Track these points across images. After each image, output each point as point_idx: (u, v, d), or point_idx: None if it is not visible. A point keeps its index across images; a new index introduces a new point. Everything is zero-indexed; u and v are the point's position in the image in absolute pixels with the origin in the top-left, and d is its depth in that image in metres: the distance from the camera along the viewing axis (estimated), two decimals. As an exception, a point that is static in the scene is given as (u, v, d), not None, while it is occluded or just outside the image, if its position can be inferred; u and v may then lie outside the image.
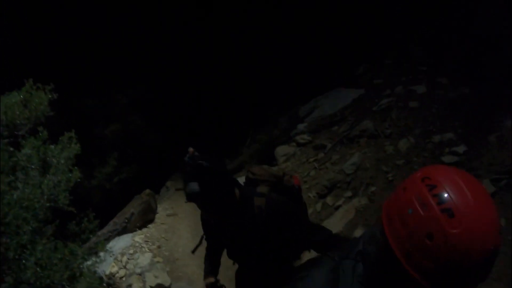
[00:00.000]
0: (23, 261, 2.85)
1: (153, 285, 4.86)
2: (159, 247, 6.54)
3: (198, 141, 11.11)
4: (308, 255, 1.83)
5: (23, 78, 3.74)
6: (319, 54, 10.13)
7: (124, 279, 5.39)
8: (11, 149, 3.26)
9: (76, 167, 4.81)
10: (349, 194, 5.11)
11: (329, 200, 5.41)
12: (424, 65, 7.43)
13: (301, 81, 10.28)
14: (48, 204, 3.97)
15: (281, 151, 8.45)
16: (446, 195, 0.85)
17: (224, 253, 2.30)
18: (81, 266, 4.15)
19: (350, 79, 8.80)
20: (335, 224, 4.72)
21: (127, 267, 5.70)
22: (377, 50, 8.85)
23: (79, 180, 4.89)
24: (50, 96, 4.28)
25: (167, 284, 4.97)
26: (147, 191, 8.41)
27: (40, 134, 4.17)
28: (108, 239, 6.47)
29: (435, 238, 0.84)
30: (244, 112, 12.13)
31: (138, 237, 6.77)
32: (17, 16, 8.69)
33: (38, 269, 2.93)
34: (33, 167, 3.86)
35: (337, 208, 5.07)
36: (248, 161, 10.72)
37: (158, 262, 5.81)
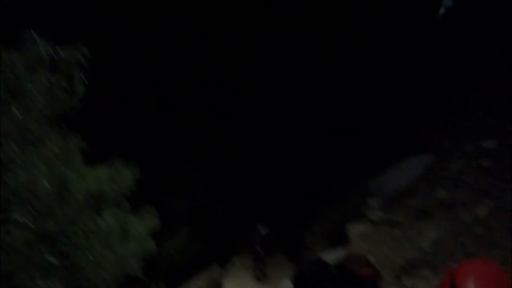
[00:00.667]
0: None
1: None
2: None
3: (266, 217, 11.12)
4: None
5: (111, 153, 4.45)
6: (385, 124, 9.97)
7: None
8: (96, 215, 3.75)
9: (151, 238, 5.23)
10: (427, 272, 4.48)
11: (406, 280, 4.79)
12: (492, 116, 6.77)
13: (369, 152, 10.03)
14: (121, 269, 4.29)
15: (354, 229, 7.95)
16: None
17: None
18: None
19: (418, 146, 8.35)
20: (413, 309, 4.09)
21: None
22: (440, 110, 8.45)
23: (153, 251, 5.26)
24: (134, 173, 4.93)
25: None
26: (214, 266, 8.47)
27: (123, 205, 4.73)
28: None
29: None
30: (312, 187, 11.99)
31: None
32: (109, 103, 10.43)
33: None
34: (113, 233, 4.32)
35: (415, 290, 4.43)
36: (319, 240, 10.22)
37: None
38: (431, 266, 4.47)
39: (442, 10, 9.78)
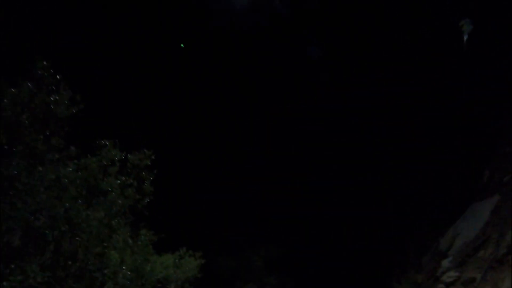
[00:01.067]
0: None
1: None
2: None
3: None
4: None
5: (177, 241, 4.95)
6: (443, 175, 9.53)
7: None
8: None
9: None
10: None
11: None
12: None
13: (434, 209, 9.49)
14: None
15: (430, 298, 7.22)
16: None
17: None
18: None
19: (481, 190, 7.82)
20: None
21: None
22: (493, 145, 8.02)
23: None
24: (199, 261, 5.31)
25: None
26: None
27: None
28: None
29: None
30: (383, 258, 11.18)
31: None
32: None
33: None
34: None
35: None
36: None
37: None
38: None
39: (465, 37, 9.51)
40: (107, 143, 3.53)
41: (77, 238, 2.71)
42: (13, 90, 2.92)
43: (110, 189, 3.28)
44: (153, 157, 3.82)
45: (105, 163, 3.38)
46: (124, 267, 3.17)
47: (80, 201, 2.94)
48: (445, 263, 7.51)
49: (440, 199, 9.36)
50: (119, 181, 3.42)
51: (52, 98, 3.04)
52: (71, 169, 3.14)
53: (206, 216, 11.75)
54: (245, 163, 13.17)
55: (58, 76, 3.14)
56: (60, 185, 2.86)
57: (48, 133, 3.04)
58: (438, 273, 7.57)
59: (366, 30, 12.10)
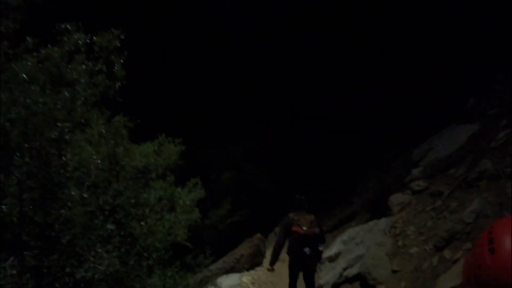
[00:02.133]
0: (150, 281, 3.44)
1: (252, 324, 4.98)
2: (265, 290, 6.71)
3: (307, 189, 11.26)
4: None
5: (155, 130, 4.78)
6: (427, 92, 9.43)
7: (227, 313, 5.69)
8: (145, 188, 4.13)
9: (196, 208, 5.61)
10: (469, 245, 4.39)
11: (446, 253, 4.75)
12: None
13: (411, 121, 9.61)
14: (169, 237, 4.72)
15: (395, 199, 7.84)
16: (494, 240, 1.17)
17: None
18: (191, 296, 4.65)
19: (462, 114, 7.86)
20: (452, 279, 4.07)
21: (232, 303, 6.02)
22: (484, 76, 7.81)
23: (198, 220, 5.65)
24: (179, 147, 5.24)
25: (266, 325, 5.01)
26: (258, 235, 8.89)
27: (168, 178, 5.10)
28: (216, 275, 7.03)
29: (482, 267, 1.16)
30: (354, 157, 11.81)
31: (245, 277, 7.13)
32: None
33: None
34: (161, 205, 4.74)
35: (455, 261, 4.39)
36: (360, 210, 10.20)
37: (261, 304, 5.95)
38: (473, 239, 4.36)
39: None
40: (69, 27, 2.87)
41: (41, 135, 2.42)
42: None
43: (76, 77, 2.82)
44: (122, 37, 3.22)
45: (68, 49, 2.82)
46: (99, 160, 2.99)
47: (44, 96, 2.53)
48: (415, 171, 7.94)
49: (420, 116, 9.36)
50: (85, 66, 2.92)
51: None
52: (30, 63, 2.60)
53: (185, 103, 11.49)
54: (228, 49, 12.27)
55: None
56: (19, 83, 2.40)
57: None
58: (407, 180, 8.09)
59: None
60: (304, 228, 4.65)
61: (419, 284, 4.61)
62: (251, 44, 12.50)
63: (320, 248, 4.82)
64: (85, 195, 2.49)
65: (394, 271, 5.36)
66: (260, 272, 7.80)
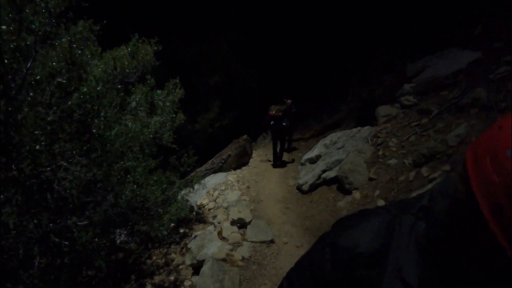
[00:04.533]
0: (125, 181, 3.48)
1: (235, 218, 5.42)
2: (248, 187, 7.16)
3: (296, 92, 11.03)
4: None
5: (130, 32, 4.26)
6: (436, 10, 8.45)
7: (212, 210, 6.17)
8: (122, 94, 3.87)
9: (180, 110, 5.46)
10: (447, 167, 4.50)
11: (424, 170, 4.89)
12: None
13: (412, 36, 8.88)
14: (153, 140, 4.69)
15: (383, 111, 7.79)
16: None
17: None
18: (176, 194, 4.91)
19: (466, 40, 7.26)
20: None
21: (216, 200, 6.48)
22: (498, 6, 6.95)
23: (183, 121, 5.56)
24: (155, 47, 4.78)
25: (248, 219, 5.47)
26: (244, 136, 9.06)
27: (148, 81, 4.79)
28: (204, 176, 7.39)
29: None
30: (346, 63, 11.26)
31: (231, 176, 7.53)
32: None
33: (135, 186, 3.55)
34: (141, 108, 4.55)
35: (431, 180, 4.55)
36: (346, 118, 10.27)
37: (244, 200, 6.39)
38: (453, 162, 4.44)
39: None
40: None
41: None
42: None
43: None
44: None
45: None
46: (62, 70, 2.65)
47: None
48: (407, 87, 7.71)
49: (421, 31, 8.59)
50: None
51: None
52: None
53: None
54: None
55: None
56: None
57: None
58: (398, 94, 7.92)
59: None
60: (273, 112, 7.97)
61: (393, 195, 4.85)
62: None
63: (284, 124, 8.01)
64: (42, 97, 2.26)
65: (370, 179, 5.59)
66: (245, 171, 8.22)
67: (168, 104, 5.26)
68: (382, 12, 10.04)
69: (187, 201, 5.33)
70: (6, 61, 2.08)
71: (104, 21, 3.25)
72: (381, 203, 5.01)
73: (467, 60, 6.54)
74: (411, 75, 7.93)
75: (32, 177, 2.38)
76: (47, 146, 2.29)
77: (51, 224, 2.28)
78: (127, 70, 3.97)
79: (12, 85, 2.13)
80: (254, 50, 11.52)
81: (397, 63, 9.00)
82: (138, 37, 4.28)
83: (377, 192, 5.29)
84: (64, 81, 2.50)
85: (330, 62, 11.41)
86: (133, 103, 4.34)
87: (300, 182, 6.89)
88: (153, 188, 4.04)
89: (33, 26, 2.27)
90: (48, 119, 2.28)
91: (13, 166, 2.16)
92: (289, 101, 8.44)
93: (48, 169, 2.44)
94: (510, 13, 6.69)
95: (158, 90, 5.01)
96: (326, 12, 11.42)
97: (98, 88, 3.05)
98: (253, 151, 9.66)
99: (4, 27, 2.13)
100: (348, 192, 5.76)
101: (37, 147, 2.22)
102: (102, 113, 3.10)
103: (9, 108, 2.10)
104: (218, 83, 10.34)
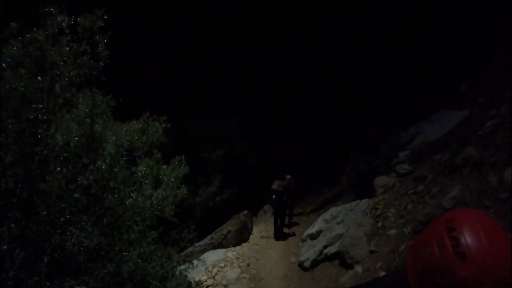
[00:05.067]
0: (127, 254, 3.53)
1: (236, 298, 5.19)
2: (248, 264, 6.94)
3: (297, 167, 11.39)
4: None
5: (141, 109, 4.75)
6: (420, 76, 9.39)
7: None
8: (129, 166, 4.15)
9: (183, 185, 5.67)
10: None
11: (423, 236, 4.87)
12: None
13: (404, 105, 9.62)
14: (156, 213, 4.80)
15: (380, 181, 7.98)
16: (462, 239, 0.89)
17: None
18: (174, 269, 4.81)
19: (453, 100, 7.90)
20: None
21: (215, 277, 6.24)
22: (478, 63, 7.78)
23: (185, 196, 5.73)
24: (164, 125, 5.23)
25: (248, 299, 5.23)
26: (245, 212, 9.07)
27: (155, 156, 5.12)
28: (203, 251, 7.23)
29: (447, 277, 0.88)
30: (345, 137, 11.86)
31: (231, 253, 7.34)
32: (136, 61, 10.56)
33: (139, 260, 3.57)
34: (146, 181, 4.78)
35: (430, 246, 4.50)
36: (347, 191, 10.42)
37: (244, 278, 6.17)
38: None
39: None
40: (52, 10, 2.79)
41: (24, 119, 2.40)
42: None
43: (60, 60, 2.76)
44: (105, 17, 3.14)
45: (52, 32, 2.74)
46: (81, 137, 2.98)
47: (29, 78, 2.48)
48: (402, 155, 8.05)
49: (411, 98, 9.37)
50: (68, 48, 2.86)
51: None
52: (15, 47, 2.52)
53: (172, 80, 11.25)
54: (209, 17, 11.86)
55: None
56: (7, 66, 2.33)
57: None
58: (393, 163, 8.22)
59: None
60: (275, 186, 8.40)
61: (394, 266, 4.77)
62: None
63: (285, 199, 8.45)
64: (64, 169, 2.51)
65: (371, 251, 5.53)
66: (246, 248, 8.03)
67: (172, 180, 5.49)
68: (375, 86, 11.00)
69: (186, 276, 5.19)
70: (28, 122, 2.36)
71: (120, 99, 3.69)
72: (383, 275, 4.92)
73: (456, 120, 6.98)
74: (405, 143, 8.34)
75: (45, 239, 2.49)
76: (68, 215, 2.46)
77: (48, 283, 2.32)
78: (136, 145, 4.31)
79: (36, 149, 2.39)
80: (258, 129, 12.30)
81: (391, 131, 9.53)
82: (148, 115, 4.72)
83: (379, 264, 5.23)
84: (82, 153, 2.79)
85: (329, 133, 12.06)
86: (139, 176, 4.59)
87: (302, 258, 6.78)
88: (155, 262, 4.03)
89: (55, 90, 2.61)
90: (75, 195, 2.49)
91: (29, 225, 2.30)
92: (288, 176, 8.82)
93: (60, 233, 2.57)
94: (490, 69, 7.40)
95: (163, 166, 5.28)
96: (322, 93, 12.48)
97: (115, 169, 3.35)
98: (254, 226, 9.55)
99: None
100: (350, 267, 5.67)
101: (62, 219, 2.39)
102: (116, 190, 3.33)
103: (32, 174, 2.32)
104: (221, 158, 10.79)
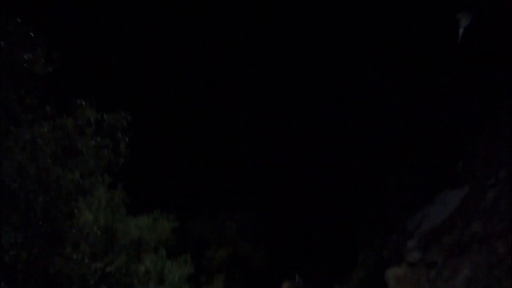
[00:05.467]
0: None
1: None
2: None
3: (305, 265, 10.91)
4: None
5: (153, 203, 5.02)
6: (419, 160, 9.81)
7: None
8: (136, 259, 4.19)
9: (187, 284, 5.54)
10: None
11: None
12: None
13: (407, 190, 9.84)
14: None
15: (391, 274, 7.67)
16: None
17: None
18: None
19: (453, 177, 8.13)
20: None
21: None
22: (472, 138, 8.25)
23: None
24: (172, 223, 5.44)
25: None
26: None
27: (160, 252, 5.18)
28: None
29: None
30: (352, 231, 11.70)
31: None
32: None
33: None
34: (151, 276, 4.74)
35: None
36: (357, 285, 9.79)
37: None
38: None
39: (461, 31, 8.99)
40: (83, 103, 3.42)
41: (48, 198, 2.70)
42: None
43: (85, 150, 3.22)
44: (129, 118, 3.73)
45: (80, 123, 3.29)
46: (96, 227, 3.21)
47: (54, 161, 2.88)
48: (411, 244, 7.92)
49: (413, 183, 9.68)
50: (94, 142, 3.36)
51: (26, 57, 2.86)
52: (46, 129, 3.04)
53: (181, 179, 11.83)
54: (223, 127, 13.06)
55: (32, 34, 2.93)
56: (35, 146, 2.78)
57: (23, 92, 2.90)
58: (403, 252, 8.03)
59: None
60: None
61: None
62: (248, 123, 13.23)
63: None
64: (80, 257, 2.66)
65: None
66: None
67: (177, 279, 5.40)
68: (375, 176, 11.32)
69: None
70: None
71: (136, 196, 4.02)
72: None
73: (458, 198, 7.06)
74: (413, 229, 8.31)
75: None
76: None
77: None
78: (143, 240, 4.46)
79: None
80: (263, 230, 12.23)
81: (397, 220, 9.51)
82: (159, 212, 4.98)
83: None
84: (97, 243, 2.99)
85: (338, 227, 11.90)
86: (145, 272, 4.59)
87: None
88: None
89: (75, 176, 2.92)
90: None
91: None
92: (296, 276, 8.54)
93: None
94: (482, 141, 7.66)
95: (168, 262, 5.27)
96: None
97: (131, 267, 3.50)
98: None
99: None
100: None
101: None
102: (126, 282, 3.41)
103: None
104: (225, 257, 10.46)
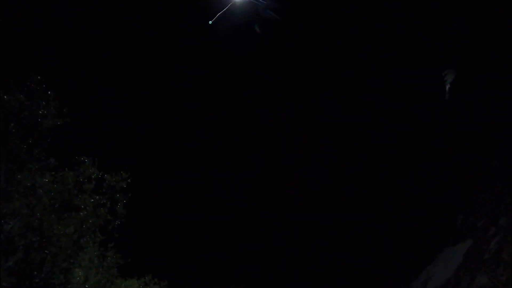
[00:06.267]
0: None
1: None
2: None
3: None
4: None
5: (142, 267, 4.83)
6: (418, 218, 9.60)
7: None
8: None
9: None
10: None
11: None
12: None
13: (408, 250, 9.51)
14: None
15: None
16: None
17: None
18: None
19: (454, 233, 7.92)
20: None
21: None
22: (471, 189, 8.22)
23: None
24: (163, 289, 5.15)
25: None
26: None
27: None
28: None
29: None
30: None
31: None
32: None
33: None
34: None
35: None
36: None
37: None
38: None
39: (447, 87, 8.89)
40: (86, 160, 3.61)
41: (45, 251, 2.69)
42: (5, 97, 3.01)
43: (83, 206, 3.30)
44: (129, 180, 3.88)
45: (81, 179, 3.42)
46: (87, 286, 3.11)
47: (52, 214, 2.94)
48: (418, 309, 7.45)
49: (413, 244, 9.44)
50: (92, 199, 3.46)
51: (40, 112, 3.14)
52: (47, 180, 3.17)
53: (175, 245, 11.44)
54: (219, 191, 13.02)
55: (49, 92, 3.26)
56: (35, 194, 2.88)
57: (31, 142, 3.10)
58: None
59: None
60: None
61: None
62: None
63: None
64: None
65: None
66: None
67: None
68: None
69: None
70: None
71: (129, 259, 3.95)
72: None
73: (461, 254, 6.78)
74: (417, 292, 7.85)
75: None
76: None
77: None
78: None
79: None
80: None
81: (401, 285, 9.00)
82: (151, 277, 4.81)
83: None
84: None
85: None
86: None
87: None
88: None
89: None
90: None
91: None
92: None
93: None
94: (479, 191, 7.48)
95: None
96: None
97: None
98: None
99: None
100: None
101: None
102: None
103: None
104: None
